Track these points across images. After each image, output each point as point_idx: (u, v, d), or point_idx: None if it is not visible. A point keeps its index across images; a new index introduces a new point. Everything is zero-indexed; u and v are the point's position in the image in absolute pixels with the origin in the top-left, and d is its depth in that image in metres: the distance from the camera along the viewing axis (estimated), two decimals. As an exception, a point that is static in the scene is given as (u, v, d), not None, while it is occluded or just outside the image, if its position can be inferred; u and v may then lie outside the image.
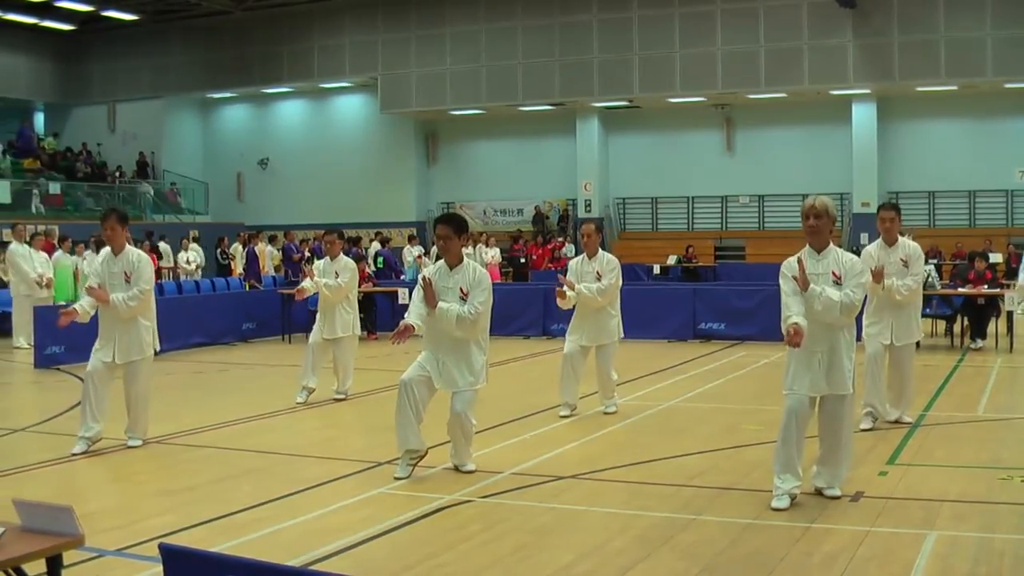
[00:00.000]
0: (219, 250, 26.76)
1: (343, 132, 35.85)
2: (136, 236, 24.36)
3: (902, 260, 9.33)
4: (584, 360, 10.32)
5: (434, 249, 18.77)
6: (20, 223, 19.95)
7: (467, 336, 7.66)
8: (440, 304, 7.59)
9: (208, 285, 22.60)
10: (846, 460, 7.02)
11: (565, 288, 9.97)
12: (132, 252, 8.97)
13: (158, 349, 9.18)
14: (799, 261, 6.89)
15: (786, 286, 6.88)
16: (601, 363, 10.27)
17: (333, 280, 11.46)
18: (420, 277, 7.90)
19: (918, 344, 11.44)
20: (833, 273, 6.89)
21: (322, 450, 8.90)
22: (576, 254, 13.60)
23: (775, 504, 6.72)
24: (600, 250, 10.39)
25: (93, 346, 8.96)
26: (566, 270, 10.48)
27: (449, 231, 7.67)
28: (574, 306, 10.27)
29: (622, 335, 10.49)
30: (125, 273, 8.84)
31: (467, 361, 7.69)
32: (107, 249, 9.11)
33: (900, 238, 9.48)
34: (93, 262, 9.77)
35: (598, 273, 10.22)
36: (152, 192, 34.46)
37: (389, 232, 28.43)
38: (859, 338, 9.76)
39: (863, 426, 9.12)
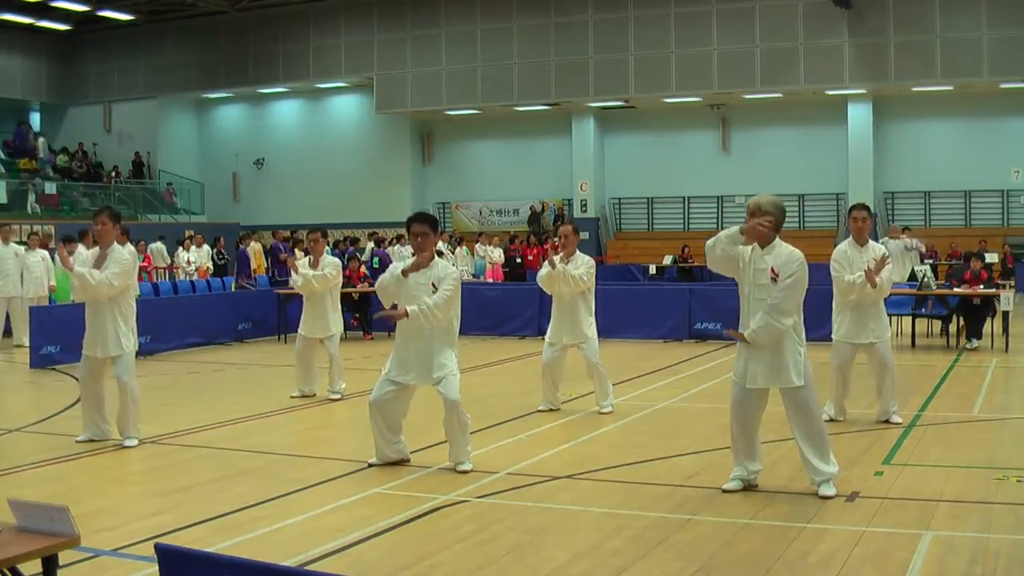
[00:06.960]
0: (215, 250, 26.74)
1: (339, 132, 35.84)
2: (138, 236, 24.33)
3: (874, 261, 9.38)
4: (562, 365, 10.43)
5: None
6: (6, 224, 19.60)
7: (438, 324, 7.76)
8: (409, 308, 7.69)
9: (203, 285, 22.55)
10: (821, 453, 6.96)
11: (556, 260, 10.10)
12: (118, 249, 9.18)
13: (137, 348, 9.39)
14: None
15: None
16: (589, 358, 10.28)
17: (320, 272, 11.58)
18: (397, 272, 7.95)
19: (914, 343, 11.47)
20: (772, 270, 7.05)
21: (318, 450, 8.90)
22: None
23: (724, 486, 7.12)
24: (578, 252, 10.40)
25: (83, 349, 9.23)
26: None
27: (426, 228, 7.90)
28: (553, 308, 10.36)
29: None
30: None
31: (441, 352, 7.80)
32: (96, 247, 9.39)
33: (870, 241, 9.58)
34: (79, 253, 10.10)
35: None
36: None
37: (385, 232, 28.40)
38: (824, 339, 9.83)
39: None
